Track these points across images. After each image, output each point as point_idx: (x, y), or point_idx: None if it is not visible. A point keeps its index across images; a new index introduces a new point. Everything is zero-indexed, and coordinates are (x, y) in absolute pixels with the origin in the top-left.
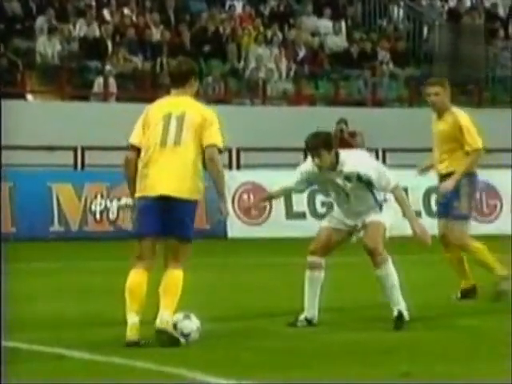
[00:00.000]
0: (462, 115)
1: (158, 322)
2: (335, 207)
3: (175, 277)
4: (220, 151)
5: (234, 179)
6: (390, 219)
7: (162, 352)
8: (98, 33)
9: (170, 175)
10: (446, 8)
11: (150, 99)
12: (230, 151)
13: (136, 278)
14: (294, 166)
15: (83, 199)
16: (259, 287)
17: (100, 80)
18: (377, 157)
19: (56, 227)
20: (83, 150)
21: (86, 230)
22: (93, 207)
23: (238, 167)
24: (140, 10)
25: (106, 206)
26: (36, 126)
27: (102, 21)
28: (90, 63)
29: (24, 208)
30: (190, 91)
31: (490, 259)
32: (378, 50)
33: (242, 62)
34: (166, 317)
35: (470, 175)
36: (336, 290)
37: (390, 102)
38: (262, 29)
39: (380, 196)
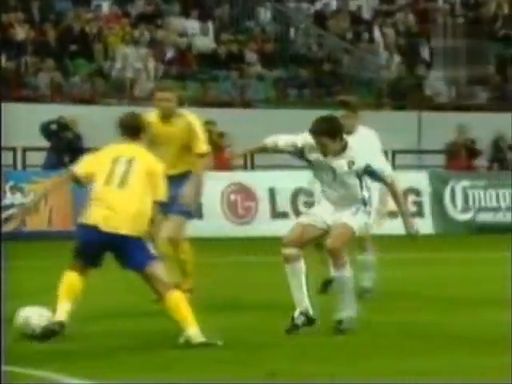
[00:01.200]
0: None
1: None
2: (319, 199)
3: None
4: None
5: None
6: (361, 222)
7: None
8: None
9: (115, 213)
10: (313, 10)
11: (16, 98)
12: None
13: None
14: None
15: None
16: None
17: None
18: (245, 157)
19: None
20: None
21: None
22: None
23: None
24: (4, 8)
25: None
26: None
27: None
28: None
29: None
30: (141, 142)
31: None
32: (246, 52)
33: (109, 62)
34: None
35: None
36: None
37: (258, 102)
38: (128, 29)
39: (365, 191)
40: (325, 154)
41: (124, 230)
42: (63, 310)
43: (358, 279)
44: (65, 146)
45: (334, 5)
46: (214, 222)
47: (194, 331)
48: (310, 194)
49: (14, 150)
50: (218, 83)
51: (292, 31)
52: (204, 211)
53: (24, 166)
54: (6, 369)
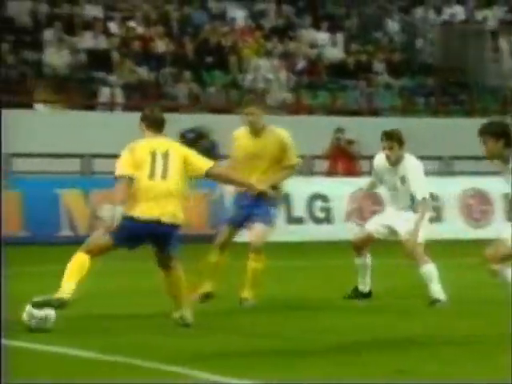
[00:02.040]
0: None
1: (176, 316)
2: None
3: (177, 275)
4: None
5: None
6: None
7: (167, 351)
8: (104, 45)
9: (162, 204)
10: (440, 21)
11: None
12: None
13: (84, 260)
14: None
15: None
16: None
17: (106, 90)
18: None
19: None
20: (90, 157)
21: None
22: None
23: None
24: (145, 22)
25: None
26: (45, 134)
27: (108, 33)
28: (97, 74)
29: (32, 213)
30: (165, 134)
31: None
32: (374, 62)
33: (243, 73)
34: (188, 312)
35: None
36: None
37: (385, 111)
38: (262, 41)
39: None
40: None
41: (178, 219)
42: (70, 288)
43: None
44: (201, 153)
45: (460, 15)
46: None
47: (189, 312)
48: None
49: None
50: (346, 92)
51: (419, 41)
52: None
53: None
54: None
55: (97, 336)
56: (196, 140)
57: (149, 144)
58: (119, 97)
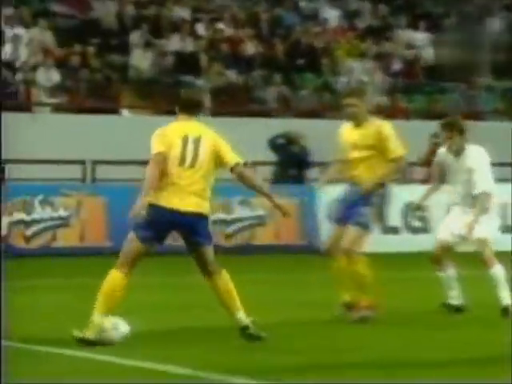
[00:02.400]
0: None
1: (242, 319)
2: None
3: (225, 281)
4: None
5: (328, 194)
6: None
7: (167, 352)
8: (192, 47)
9: (189, 194)
10: None
11: (245, 113)
12: (323, 164)
13: (118, 284)
14: None
15: None
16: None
17: None
18: None
19: None
20: None
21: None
22: None
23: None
24: (234, 24)
25: None
26: (130, 140)
27: (195, 35)
28: (184, 78)
29: (117, 222)
30: (198, 117)
31: (366, 279)
32: (475, 63)
33: (336, 76)
34: (244, 317)
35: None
36: None
37: (487, 114)
38: (356, 42)
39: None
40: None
41: (199, 208)
42: (97, 326)
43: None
44: (291, 160)
45: None
46: None
47: (242, 315)
48: None
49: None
50: (445, 95)
51: None
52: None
53: None
54: None
55: (151, 347)
56: (286, 146)
57: (180, 127)
58: (207, 101)
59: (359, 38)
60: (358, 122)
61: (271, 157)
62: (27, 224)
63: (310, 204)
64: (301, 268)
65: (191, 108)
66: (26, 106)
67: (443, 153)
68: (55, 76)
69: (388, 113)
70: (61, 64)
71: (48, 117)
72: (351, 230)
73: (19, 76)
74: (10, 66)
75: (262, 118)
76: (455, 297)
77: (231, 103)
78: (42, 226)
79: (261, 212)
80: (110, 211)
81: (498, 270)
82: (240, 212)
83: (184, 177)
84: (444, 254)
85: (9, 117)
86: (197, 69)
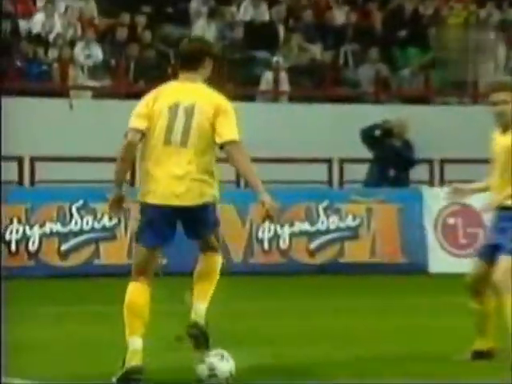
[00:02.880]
0: None
1: (192, 314)
2: None
3: (212, 262)
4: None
5: (436, 198)
6: None
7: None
8: (267, 16)
9: (177, 181)
10: None
11: (330, 98)
12: (431, 162)
13: (137, 294)
14: None
15: (248, 224)
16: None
17: (269, 75)
18: None
19: None
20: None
21: (251, 262)
22: (259, 234)
23: (442, 183)
24: None
25: (275, 232)
26: None
27: (272, 1)
28: (257, 54)
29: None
30: (201, 76)
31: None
32: None
33: (447, 51)
34: (201, 310)
35: None
36: None
37: None
38: (473, 8)
39: None
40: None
41: (198, 198)
42: (137, 350)
43: None
44: (391, 157)
45: None
46: None
47: (201, 310)
48: None
49: (329, 161)
50: None
51: None
52: None
53: (341, 183)
54: None
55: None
56: (384, 139)
57: (173, 91)
58: (285, 83)
59: (477, 2)
60: (506, 124)
61: (365, 153)
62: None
63: (414, 212)
64: (403, 291)
65: (191, 63)
66: (60, 90)
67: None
68: (97, 53)
69: None
70: (104, 38)
71: (88, 103)
72: (504, 261)
73: (53, 53)
74: (41, 39)
75: (353, 103)
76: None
77: (315, 85)
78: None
79: (353, 222)
80: None
81: None
82: (326, 222)
83: (174, 159)
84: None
85: (39, 102)
86: (273, 43)
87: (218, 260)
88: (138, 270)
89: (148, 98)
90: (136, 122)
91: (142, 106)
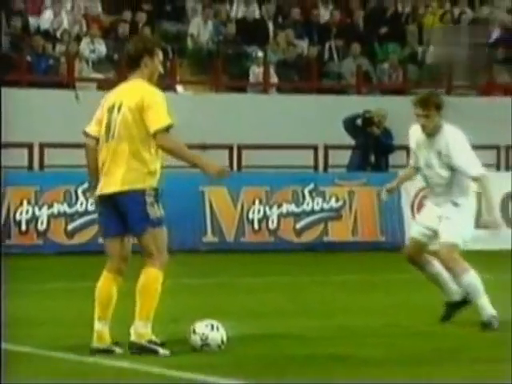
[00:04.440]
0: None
1: (132, 333)
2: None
3: (149, 276)
4: (168, 129)
5: (412, 183)
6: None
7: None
8: (257, 14)
9: (110, 171)
10: None
11: (317, 90)
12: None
13: (104, 284)
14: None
15: (239, 206)
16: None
17: (258, 69)
18: None
19: (209, 238)
20: (240, 148)
21: (242, 241)
22: (250, 215)
23: None
24: None
25: (264, 213)
26: (186, 121)
27: (262, 0)
28: (248, 49)
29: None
30: (142, 74)
31: None
32: None
33: (424, 46)
34: (140, 328)
35: None
36: None
37: None
38: (447, 6)
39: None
40: (424, 130)
41: (124, 185)
42: (99, 334)
43: None
44: (371, 144)
45: None
46: None
47: (140, 328)
48: None
49: (315, 148)
50: None
51: None
52: None
53: (326, 168)
54: None
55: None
56: (365, 128)
57: (115, 93)
58: (274, 76)
59: (451, 1)
60: (430, 133)
61: (348, 140)
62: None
63: (393, 195)
64: (383, 268)
65: (131, 64)
66: (67, 82)
67: (417, 130)
68: (101, 48)
69: (485, 89)
70: (108, 34)
71: (93, 94)
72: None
73: (60, 47)
74: (49, 35)
75: (337, 95)
76: (451, 292)
77: (302, 78)
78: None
79: (336, 204)
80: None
81: (471, 279)
82: (311, 204)
83: (109, 153)
84: (417, 253)
85: (47, 94)
86: (263, 38)
87: (156, 275)
88: (108, 262)
89: (101, 102)
90: (88, 128)
91: (98, 110)
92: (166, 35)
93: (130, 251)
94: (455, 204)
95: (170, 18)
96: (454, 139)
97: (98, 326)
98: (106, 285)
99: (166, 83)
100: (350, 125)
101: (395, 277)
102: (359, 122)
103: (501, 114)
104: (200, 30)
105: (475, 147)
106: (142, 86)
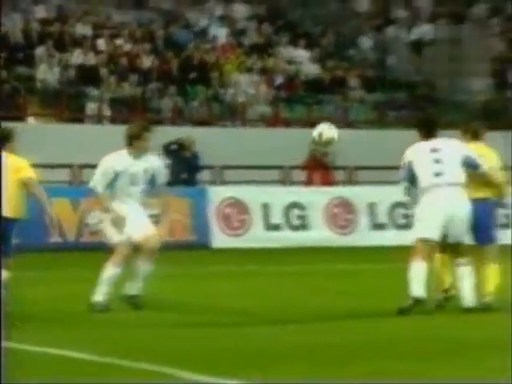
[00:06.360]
0: None
1: None
2: None
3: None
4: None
5: (217, 194)
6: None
7: (159, 353)
8: (93, 61)
9: None
10: (410, 39)
11: (142, 121)
12: (212, 168)
13: None
14: (271, 182)
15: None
16: (242, 293)
17: (92, 104)
18: (349, 173)
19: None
20: (80, 168)
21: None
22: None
23: (221, 183)
24: (132, 40)
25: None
26: (35, 145)
27: (96, 50)
28: (85, 89)
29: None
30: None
31: None
32: (349, 77)
33: (225, 88)
34: None
35: None
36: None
37: (359, 123)
38: (243, 58)
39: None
40: None
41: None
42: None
43: None
44: (183, 164)
45: (429, 34)
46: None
47: None
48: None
49: None
50: (322, 106)
51: (391, 58)
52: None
53: None
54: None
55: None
56: (178, 152)
57: None
58: (107, 110)
59: (245, 54)
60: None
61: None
62: None
63: (201, 204)
64: (191, 262)
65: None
66: None
67: None
68: None
69: (271, 122)
70: None
71: None
72: None
73: None
74: None
75: (157, 126)
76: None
77: (129, 113)
78: None
79: (156, 211)
80: None
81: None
82: None
83: None
84: None
85: None
86: (97, 81)
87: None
88: None
89: None
90: None
91: None
92: (20, 77)
93: None
94: None
95: (22, 63)
96: None
97: None
98: None
99: (18, 116)
100: (166, 149)
101: (196, 270)
102: (174, 147)
103: (284, 143)
104: (46, 73)
105: None
106: (12, 157)
